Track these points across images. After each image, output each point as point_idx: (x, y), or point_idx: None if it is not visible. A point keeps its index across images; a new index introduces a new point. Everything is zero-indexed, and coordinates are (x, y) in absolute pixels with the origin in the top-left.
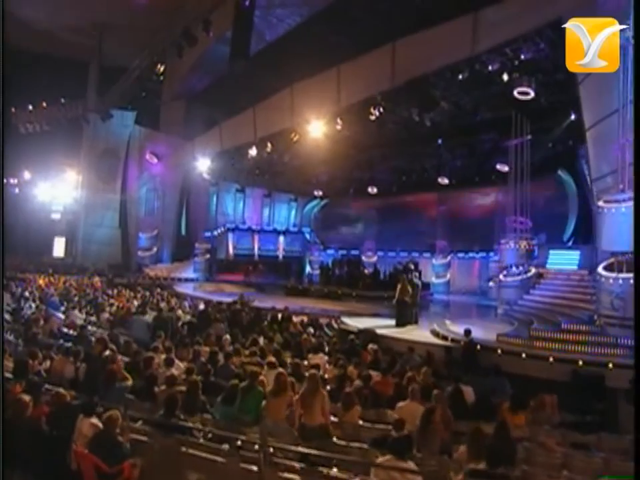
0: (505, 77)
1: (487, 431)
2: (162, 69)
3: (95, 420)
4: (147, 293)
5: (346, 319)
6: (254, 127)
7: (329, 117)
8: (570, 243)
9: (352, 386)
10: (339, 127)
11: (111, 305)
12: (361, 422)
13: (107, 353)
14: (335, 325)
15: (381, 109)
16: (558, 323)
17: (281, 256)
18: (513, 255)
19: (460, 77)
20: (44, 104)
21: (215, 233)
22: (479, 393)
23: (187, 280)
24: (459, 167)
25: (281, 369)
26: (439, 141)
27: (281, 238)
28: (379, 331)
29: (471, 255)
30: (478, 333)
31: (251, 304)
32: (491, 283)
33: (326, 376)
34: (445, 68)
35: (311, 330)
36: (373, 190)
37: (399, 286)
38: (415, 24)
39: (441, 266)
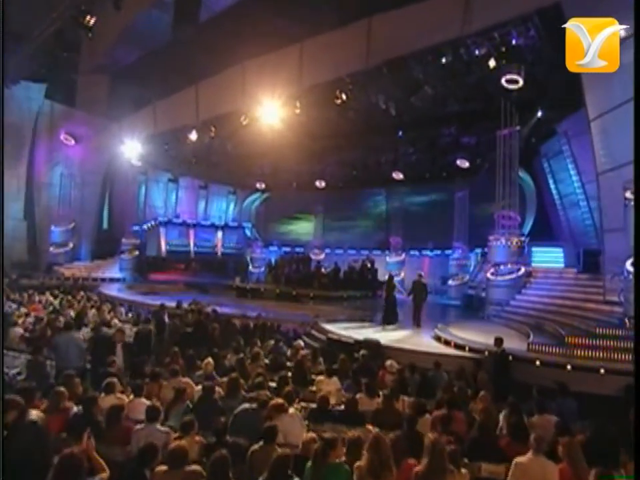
0: (492, 63)
1: None
2: (92, 21)
3: None
4: (69, 297)
5: (328, 326)
6: (196, 107)
7: (287, 99)
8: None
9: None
10: (297, 111)
11: (26, 315)
12: None
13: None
14: (321, 335)
15: (348, 93)
16: (589, 328)
17: (219, 253)
18: (503, 252)
19: (443, 60)
20: None
21: (145, 227)
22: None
23: (111, 280)
24: (414, 161)
25: (354, 433)
26: (399, 133)
27: (219, 233)
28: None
29: (424, 253)
30: (481, 339)
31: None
32: (450, 282)
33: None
34: (427, 50)
35: (301, 343)
36: (321, 184)
37: (385, 284)
38: None
39: (395, 264)
